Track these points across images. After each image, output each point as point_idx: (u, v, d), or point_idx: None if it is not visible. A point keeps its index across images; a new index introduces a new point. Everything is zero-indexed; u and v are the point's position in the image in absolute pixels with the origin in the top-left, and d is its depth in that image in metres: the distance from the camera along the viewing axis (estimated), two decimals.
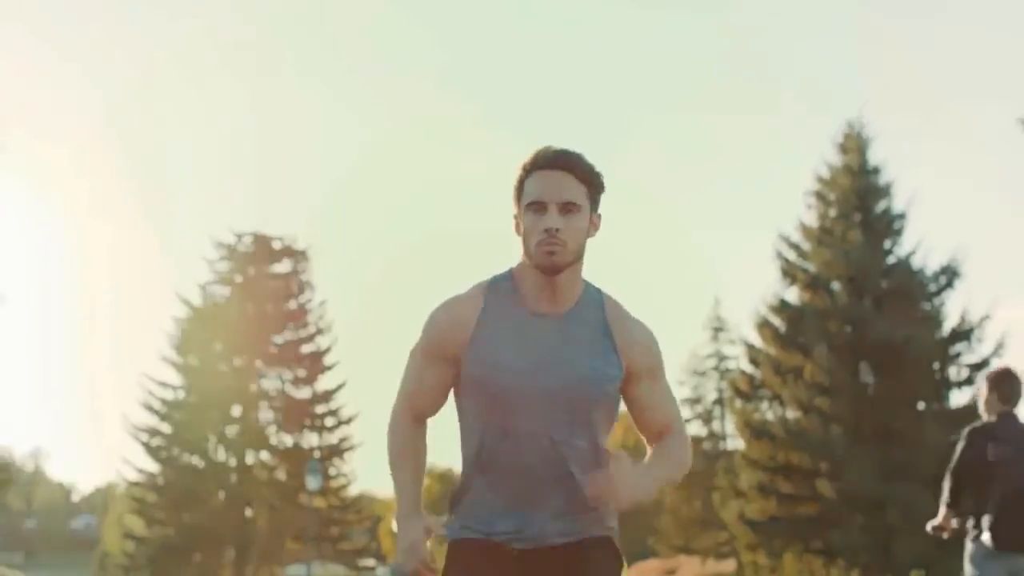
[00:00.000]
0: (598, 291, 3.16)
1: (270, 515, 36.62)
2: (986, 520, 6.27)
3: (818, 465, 27.89)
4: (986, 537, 6.25)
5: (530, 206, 3.03)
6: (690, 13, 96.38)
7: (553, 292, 3.06)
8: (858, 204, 29.12)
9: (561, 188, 3.01)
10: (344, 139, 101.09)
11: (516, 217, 3.10)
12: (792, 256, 30.02)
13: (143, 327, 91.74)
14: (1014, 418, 6.46)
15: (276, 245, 38.14)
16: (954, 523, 6.44)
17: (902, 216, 29.13)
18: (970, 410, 27.85)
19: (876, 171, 29.60)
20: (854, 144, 29.98)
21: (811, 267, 29.46)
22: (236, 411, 36.97)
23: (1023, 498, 6.22)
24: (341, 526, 38.16)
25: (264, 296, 37.70)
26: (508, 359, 3.03)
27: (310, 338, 38.02)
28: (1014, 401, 6.49)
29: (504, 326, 3.06)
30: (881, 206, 29.47)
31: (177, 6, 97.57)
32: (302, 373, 37.69)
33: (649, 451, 3.20)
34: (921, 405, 28.28)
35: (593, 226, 3.09)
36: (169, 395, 36.82)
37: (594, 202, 3.08)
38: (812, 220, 30.16)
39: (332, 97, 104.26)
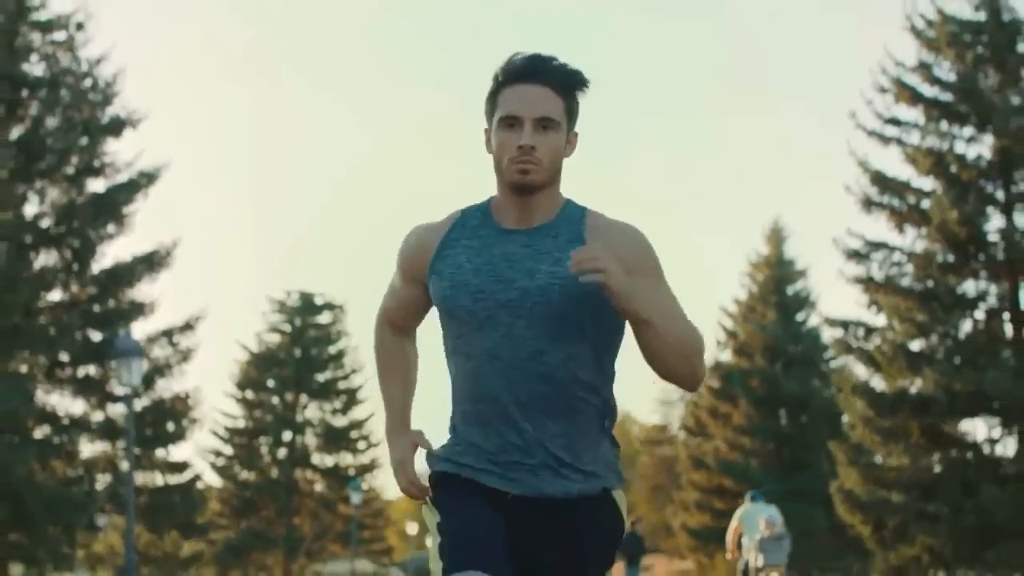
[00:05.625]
0: (581, 207, 3.06)
1: (313, 522, 47.75)
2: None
3: (742, 488, 39.50)
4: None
5: (503, 120, 2.95)
6: (690, 17, 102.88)
7: (528, 212, 3.00)
8: (774, 288, 40.76)
9: (537, 102, 2.93)
10: (345, 148, 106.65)
11: (487, 132, 3.04)
12: (729, 324, 41.70)
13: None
14: (632, 532, 21.66)
15: (318, 300, 49.49)
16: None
17: (807, 298, 40.80)
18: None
19: (791, 262, 41.24)
20: (775, 238, 41.62)
21: (740, 335, 41.13)
22: (286, 436, 47.12)
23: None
24: (372, 530, 49.77)
25: (309, 342, 48.93)
26: (466, 276, 2.99)
27: (346, 376, 48.88)
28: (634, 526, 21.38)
29: (468, 245, 3.04)
30: (794, 288, 41.10)
31: (177, 12, 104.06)
32: (339, 405, 48.31)
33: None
34: (820, 444, 39.78)
35: (570, 144, 3.02)
36: (231, 423, 47.55)
37: (572, 117, 3.01)
38: (743, 296, 41.86)
39: (333, 104, 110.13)
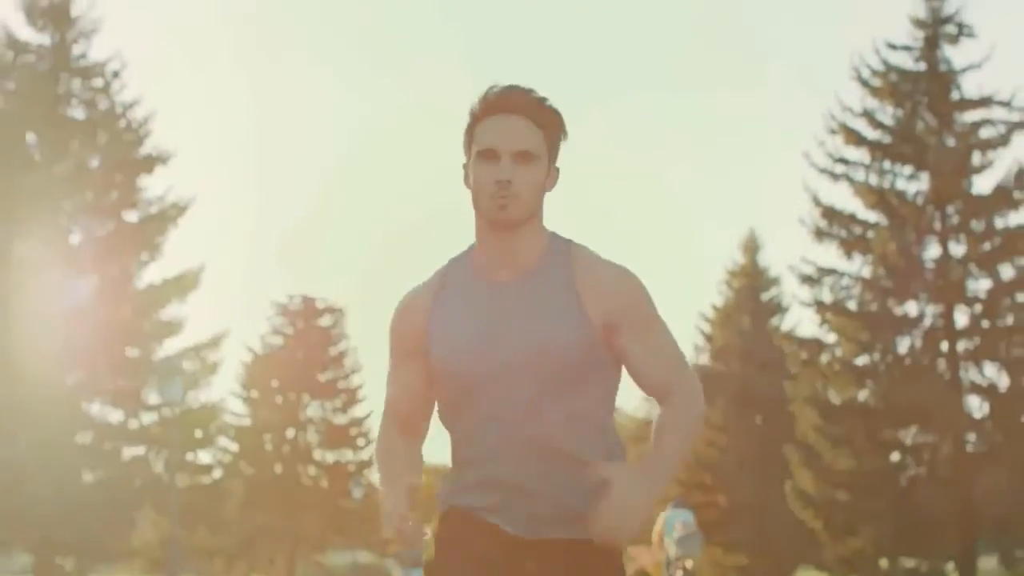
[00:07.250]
0: (566, 243, 3.03)
1: (315, 517, 50.96)
2: None
3: (718, 483, 43.33)
4: None
5: (481, 155, 2.92)
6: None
7: (511, 253, 2.96)
8: (750, 295, 44.48)
9: (515, 135, 2.90)
10: (350, 124, 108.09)
11: (465, 167, 2.99)
12: (707, 329, 45.45)
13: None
14: None
15: (319, 304, 52.74)
16: None
17: (780, 304, 44.55)
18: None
19: (765, 270, 44.97)
20: (751, 246, 45.35)
21: (717, 340, 44.88)
22: (289, 434, 49.76)
23: None
24: (372, 523, 53.19)
25: (310, 344, 51.97)
26: (465, 339, 2.95)
27: (346, 376, 51.77)
28: None
29: (460, 304, 2.99)
30: (768, 295, 44.83)
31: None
32: (340, 404, 50.84)
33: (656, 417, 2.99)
34: (789, 442, 43.50)
35: (551, 179, 2.98)
36: (236, 421, 50.87)
37: (553, 150, 2.97)
38: (720, 303, 45.59)
39: (337, 81, 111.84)
